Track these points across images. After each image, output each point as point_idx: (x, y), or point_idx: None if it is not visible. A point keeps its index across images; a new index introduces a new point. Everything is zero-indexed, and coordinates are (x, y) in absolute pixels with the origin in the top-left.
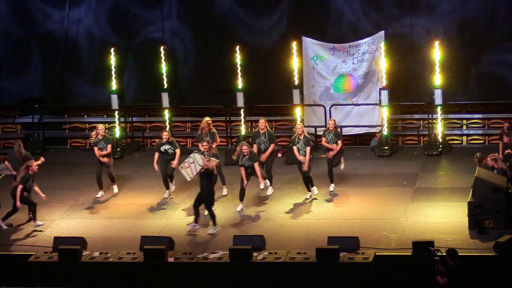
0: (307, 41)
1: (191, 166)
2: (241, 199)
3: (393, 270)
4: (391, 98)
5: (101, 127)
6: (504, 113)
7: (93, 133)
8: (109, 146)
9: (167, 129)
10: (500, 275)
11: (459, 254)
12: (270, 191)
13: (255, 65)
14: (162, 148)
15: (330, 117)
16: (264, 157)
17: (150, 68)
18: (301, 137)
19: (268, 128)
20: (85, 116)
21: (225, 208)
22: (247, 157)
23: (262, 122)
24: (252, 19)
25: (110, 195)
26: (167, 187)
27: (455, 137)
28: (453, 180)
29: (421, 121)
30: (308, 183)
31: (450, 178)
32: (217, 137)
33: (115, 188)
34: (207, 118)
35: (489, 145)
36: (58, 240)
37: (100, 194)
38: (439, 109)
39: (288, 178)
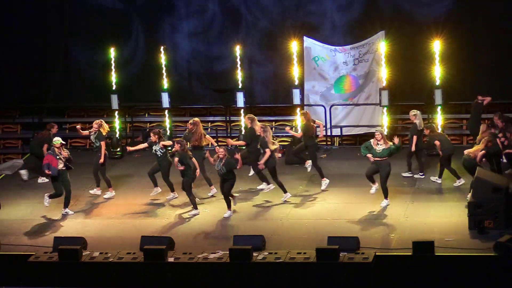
0: (309, 41)
1: None
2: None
3: (393, 270)
4: (391, 98)
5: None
6: (504, 113)
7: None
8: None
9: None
10: (500, 275)
11: (458, 254)
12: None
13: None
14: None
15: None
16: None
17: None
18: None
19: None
20: (85, 116)
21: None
22: (224, 162)
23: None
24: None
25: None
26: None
27: (455, 137)
28: (453, 180)
29: None
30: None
31: (450, 178)
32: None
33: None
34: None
35: None
36: (58, 240)
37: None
38: (439, 109)
39: (288, 178)
